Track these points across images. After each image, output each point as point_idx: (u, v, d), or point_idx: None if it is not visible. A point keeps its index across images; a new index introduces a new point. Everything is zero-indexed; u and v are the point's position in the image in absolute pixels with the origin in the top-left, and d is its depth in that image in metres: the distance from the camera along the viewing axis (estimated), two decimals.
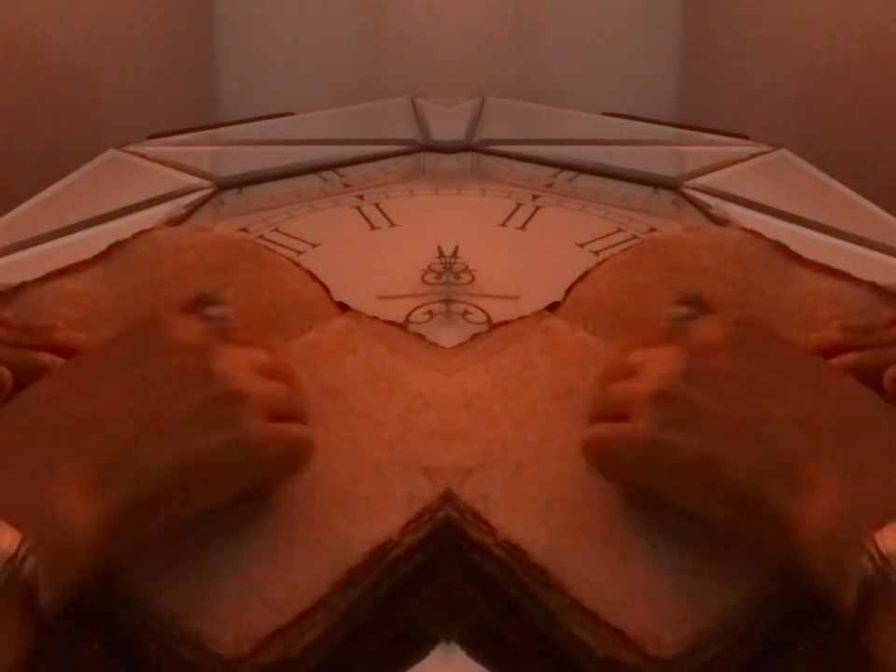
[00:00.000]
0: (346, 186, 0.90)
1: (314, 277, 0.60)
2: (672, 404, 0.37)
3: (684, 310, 0.44)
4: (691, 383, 0.38)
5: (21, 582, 0.29)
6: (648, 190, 0.89)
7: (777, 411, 0.36)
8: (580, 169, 0.93)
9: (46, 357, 0.48)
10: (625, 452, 0.38)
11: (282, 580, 0.37)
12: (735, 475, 0.35)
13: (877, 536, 0.30)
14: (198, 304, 0.44)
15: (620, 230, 0.77)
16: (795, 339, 0.50)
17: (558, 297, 0.58)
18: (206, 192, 0.86)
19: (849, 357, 0.48)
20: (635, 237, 0.75)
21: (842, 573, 0.30)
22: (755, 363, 0.39)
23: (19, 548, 0.30)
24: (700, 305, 0.44)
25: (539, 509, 0.40)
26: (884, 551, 0.29)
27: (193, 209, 0.82)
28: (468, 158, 0.97)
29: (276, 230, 0.76)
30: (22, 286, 0.57)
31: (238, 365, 0.40)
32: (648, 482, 0.38)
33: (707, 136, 1.07)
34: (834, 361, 0.49)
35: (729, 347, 0.39)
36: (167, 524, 0.35)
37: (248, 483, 0.38)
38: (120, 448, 0.34)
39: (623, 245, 0.71)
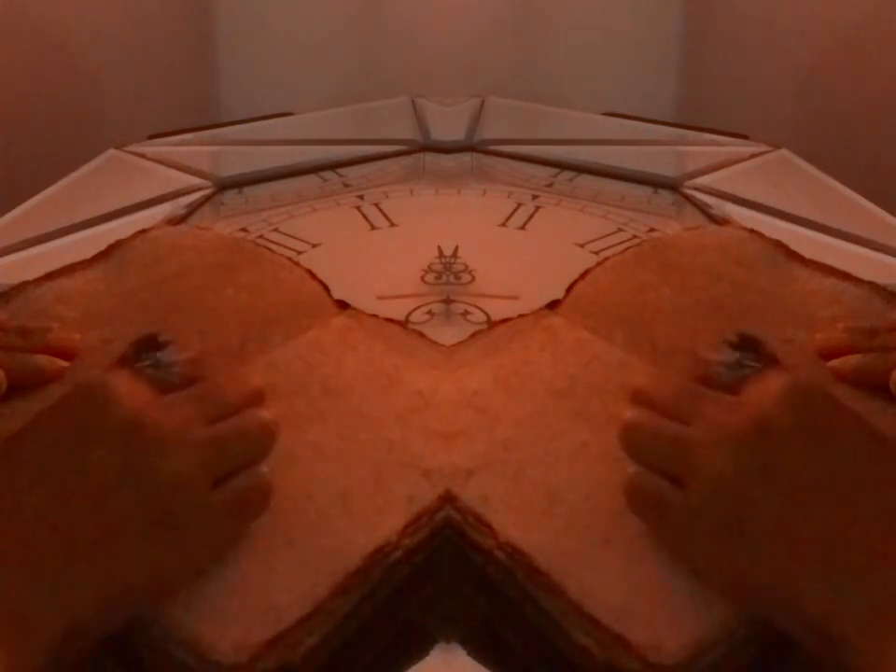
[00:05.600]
0: (346, 186, 0.89)
1: (313, 276, 0.60)
2: (736, 499, 0.35)
3: (738, 355, 0.41)
4: (755, 476, 0.35)
5: None
6: (648, 190, 0.89)
7: (863, 542, 0.33)
8: (580, 169, 0.93)
9: (41, 360, 0.48)
10: (679, 531, 0.36)
11: (281, 584, 0.36)
12: (810, 606, 0.32)
13: None
14: (139, 350, 0.41)
15: (620, 230, 0.77)
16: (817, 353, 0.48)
17: (558, 297, 0.58)
18: (206, 192, 0.86)
19: (854, 360, 0.48)
20: (635, 237, 0.75)
21: None
22: (829, 457, 0.35)
23: None
24: (758, 349, 0.41)
25: (541, 511, 0.40)
26: None
27: (193, 209, 0.82)
28: (468, 158, 0.97)
29: (276, 230, 0.76)
30: (22, 286, 0.57)
31: (183, 433, 0.37)
32: (697, 569, 0.36)
33: (707, 136, 1.07)
34: (838, 363, 0.49)
35: (799, 431, 0.36)
36: (125, 621, 0.34)
37: (203, 561, 0.36)
38: (34, 582, 0.32)
39: (623, 245, 0.70)
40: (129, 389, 0.38)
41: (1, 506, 0.34)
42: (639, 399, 0.41)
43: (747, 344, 0.41)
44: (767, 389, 0.38)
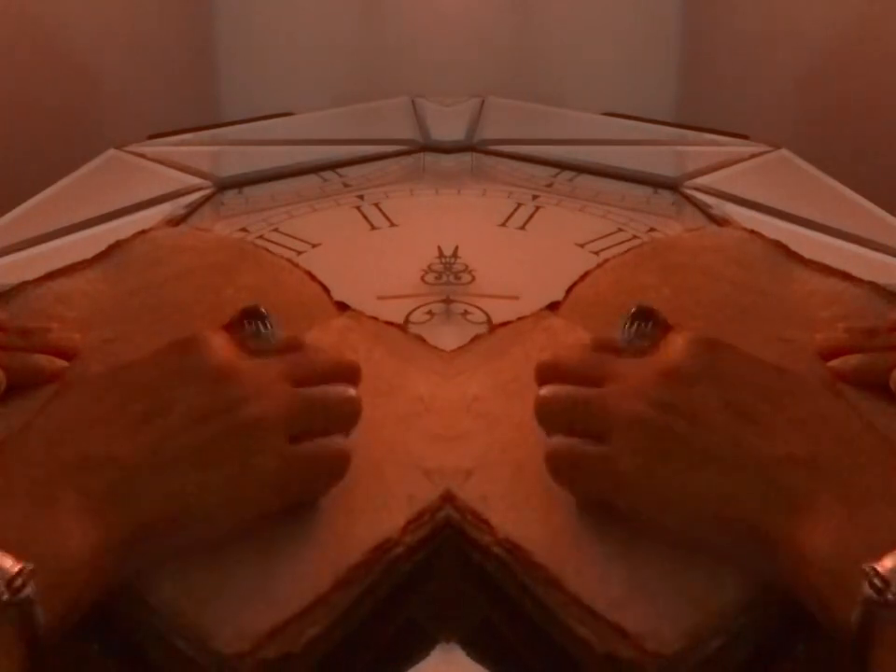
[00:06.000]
0: (346, 186, 0.90)
1: (313, 277, 0.60)
2: (658, 432, 0.37)
3: (638, 327, 0.43)
4: (672, 412, 0.37)
5: (20, 605, 0.30)
6: (648, 190, 0.89)
7: (771, 445, 0.36)
8: (580, 169, 0.94)
9: (41, 360, 0.48)
10: (605, 476, 0.38)
11: (283, 576, 0.37)
12: (738, 508, 0.35)
13: (877, 563, 0.31)
14: (240, 320, 0.44)
15: (620, 230, 0.77)
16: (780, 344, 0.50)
17: (558, 297, 0.58)
18: (206, 192, 0.86)
19: (854, 359, 0.48)
20: (635, 237, 0.75)
21: (845, 595, 0.31)
22: (734, 389, 0.38)
23: (18, 573, 0.30)
24: (655, 321, 0.43)
25: (539, 507, 0.40)
26: (884, 574, 0.31)
27: (193, 209, 0.82)
28: (468, 158, 0.97)
29: (276, 230, 0.76)
30: (22, 286, 0.57)
31: (268, 386, 0.39)
32: (629, 505, 0.38)
33: (707, 136, 1.07)
34: (838, 363, 0.49)
35: (706, 371, 0.39)
36: (181, 547, 0.36)
37: (267, 509, 0.38)
38: (120, 480, 0.35)
39: (624, 246, 0.70)
40: (223, 344, 0.41)
41: (103, 415, 0.37)
42: (547, 374, 0.43)
43: (641, 315, 0.44)
44: (670, 346, 0.41)
